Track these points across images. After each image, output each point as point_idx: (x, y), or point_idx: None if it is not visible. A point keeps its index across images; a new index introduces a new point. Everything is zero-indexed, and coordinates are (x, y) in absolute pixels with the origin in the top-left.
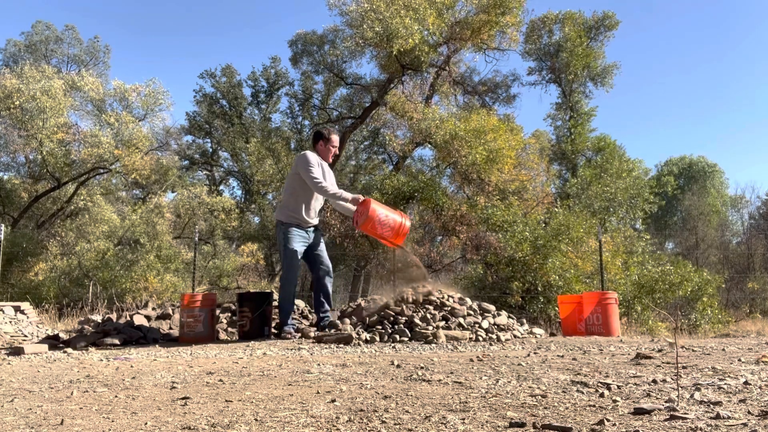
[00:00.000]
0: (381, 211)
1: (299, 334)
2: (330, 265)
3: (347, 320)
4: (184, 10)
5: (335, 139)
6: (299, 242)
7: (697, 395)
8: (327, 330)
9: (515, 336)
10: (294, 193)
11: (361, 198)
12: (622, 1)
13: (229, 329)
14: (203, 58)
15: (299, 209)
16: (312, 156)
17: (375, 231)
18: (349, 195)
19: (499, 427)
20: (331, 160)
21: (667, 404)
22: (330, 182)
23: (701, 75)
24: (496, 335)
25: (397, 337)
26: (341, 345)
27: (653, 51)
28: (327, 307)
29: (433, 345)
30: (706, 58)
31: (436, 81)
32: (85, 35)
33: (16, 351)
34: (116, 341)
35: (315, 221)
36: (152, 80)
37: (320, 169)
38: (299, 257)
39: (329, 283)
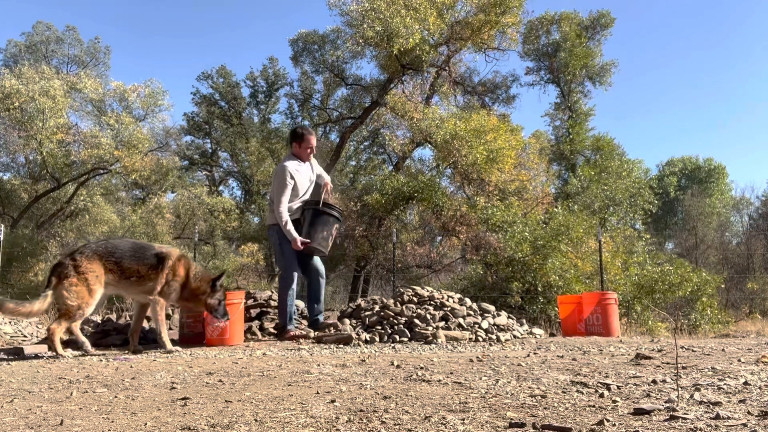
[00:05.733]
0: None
1: (303, 332)
2: (322, 266)
3: (347, 320)
4: (183, 9)
5: (309, 139)
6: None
7: (696, 395)
8: (323, 329)
9: (515, 336)
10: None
11: (298, 242)
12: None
13: None
14: (204, 59)
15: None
16: (281, 172)
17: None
18: (292, 234)
19: (498, 427)
20: (310, 158)
21: (667, 404)
22: (303, 190)
23: (701, 73)
24: (496, 335)
25: (397, 337)
26: (341, 345)
27: (653, 49)
28: (321, 308)
29: (433, 345)
30: (705, 56)
31: (436, 81)
32: (86, 35)
33: (16, 351)
34: (116, 341)
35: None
36: (151, 80)
37: (289, 186)
38: (296, 256)
39: (322, 283)
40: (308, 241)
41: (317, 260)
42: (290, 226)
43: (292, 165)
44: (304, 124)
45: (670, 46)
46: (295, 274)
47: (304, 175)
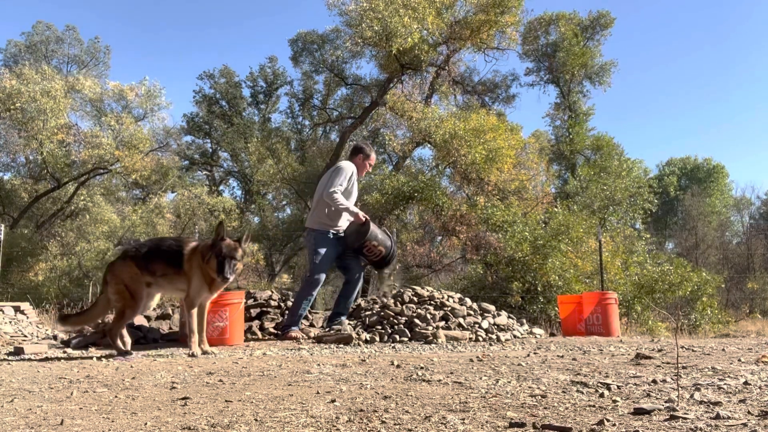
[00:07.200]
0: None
1: (302, 335)
2: (362, 270)
3: (347, 320)
4: (182, 9)
5: (374, 157)
6: (331, 248)
7: (697, 395)
8: (332, 327)
9: (515, 336)
10: (325, 201)
11: (363, 219)
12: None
13: None
14: (202, 59)
15: (331, 216)
16: (347, 167)
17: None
18: (354, 210)
19: (499, 427)
20: (363, 175)
21: (667, 404)
22: (353, 195)
23: (701, 73)
24: (496, 335)
25: (397, 337)
26: (341, 345)
27: (653, 49)
28: (349, 304)
29: (433, 345)
30: (705, 56)
31: (435, 80)
32: (84, 33)
33: (16, 351)
34: None
35: (345, 227)
36: (146, 78)
37: (349, 182)
38: (329, 263)
39: (359, 285)
40: (369, 219)
41: (359, 262)
42: (353, 207)
43: (354, 169)
44: (368, 142)
45: (669, 46)
46: (321, 281)
47: (356, 186)
